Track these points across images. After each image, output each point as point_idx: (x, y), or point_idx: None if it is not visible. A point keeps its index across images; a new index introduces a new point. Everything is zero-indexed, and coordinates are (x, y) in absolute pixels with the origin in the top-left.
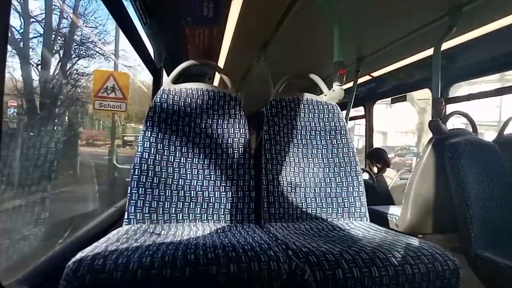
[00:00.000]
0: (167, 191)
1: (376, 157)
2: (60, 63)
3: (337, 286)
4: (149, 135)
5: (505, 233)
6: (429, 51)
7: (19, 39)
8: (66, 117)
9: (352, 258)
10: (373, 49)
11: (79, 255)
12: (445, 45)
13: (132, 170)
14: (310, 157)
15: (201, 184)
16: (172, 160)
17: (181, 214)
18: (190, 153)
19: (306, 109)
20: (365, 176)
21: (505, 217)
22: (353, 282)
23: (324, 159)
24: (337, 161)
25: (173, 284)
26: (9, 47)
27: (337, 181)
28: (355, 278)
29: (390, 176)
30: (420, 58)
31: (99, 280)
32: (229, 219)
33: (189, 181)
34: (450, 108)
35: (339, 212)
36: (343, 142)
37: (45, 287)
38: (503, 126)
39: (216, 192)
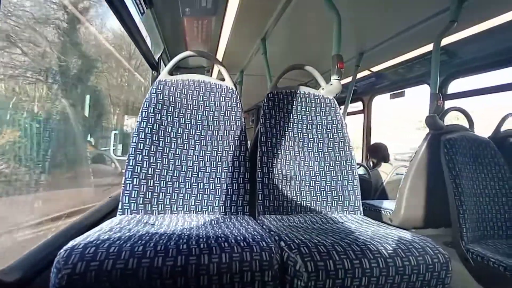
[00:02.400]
0: (162, 182)
1: (373, 151)
2: None
3: (328, 277)
4: (144, 126)
5: (496, 228)
6: (429, 46)
7: None
8: None
9: (344, 250)
10: (373, 44)
11: (71, 243)
12: (445, 40)
13: (127, 161)
14: (306, 150)
15: (196, 175)
16: (167, 151)
17: (175, 205)
18: (185, 144)
19: (303, 102)
20: (361, 170)
21: (497, 212)
22: (343, 273)
23: (320, 152)
24: (333, 155)
25: (165, 273)
26: None
27: (332, 174)
28: (346, 270)
29: (386, 171)
30: (420, 54)
31: (90, 268)
32: (223, 210)
33: (184, 172)
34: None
35: (333, 205)
36: (339, 136)
37: (37, 275)
38: (499, 122)
39: (211, 183)
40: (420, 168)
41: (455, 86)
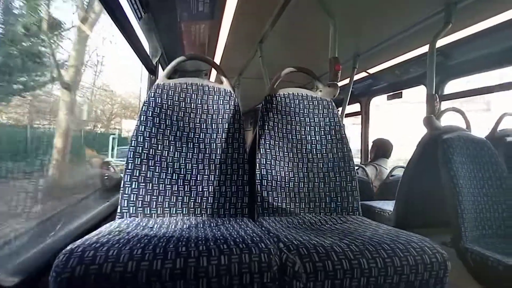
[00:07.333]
0: (161, 185)
1: (372, 147)
2: None
3: (327, 278)
4: (142, 130)
5: (495, 227)
6: (425, 48)
7: None
8: None
9: (342, 251)
10: (369, 46)
11: (70, 247)
12: (441, 42)
13: (126, 164)
14: (304, 152)
15: (195, 178)
16: (165, 155)
17: (174, 208)
18: (184, 147)
19: (301, 105)
20: (359, 172)
21: (495, 212)
22: (342, 273)
23: (318, 154)
24: (331, 157)
25: (163, 276)
26: None
27: (331, 176)
28: (345, 270)
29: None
30: (416, 55)
31: (89, 272)
32: (222, 213)
33: (182, 175)
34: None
35: (332, 206)
36: (337, 137)
37: (36, 279)
38: (496, 122)
39: (210, 186)
40: (418, 168)
41: (451, 87)
